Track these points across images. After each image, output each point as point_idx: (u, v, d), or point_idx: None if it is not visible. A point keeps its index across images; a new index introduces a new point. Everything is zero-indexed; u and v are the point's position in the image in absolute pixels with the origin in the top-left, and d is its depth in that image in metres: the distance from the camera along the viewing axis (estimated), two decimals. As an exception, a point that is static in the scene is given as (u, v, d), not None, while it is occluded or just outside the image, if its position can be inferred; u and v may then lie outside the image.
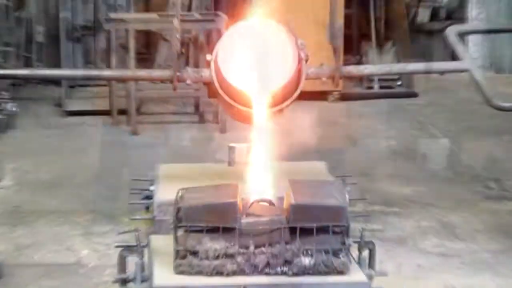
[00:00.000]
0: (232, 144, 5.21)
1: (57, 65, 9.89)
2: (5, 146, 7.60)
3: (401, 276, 4.72)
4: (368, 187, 6.10)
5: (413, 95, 9.67)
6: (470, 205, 6.11)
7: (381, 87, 9.75)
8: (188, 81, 4.57)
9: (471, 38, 10.93)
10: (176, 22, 4.58)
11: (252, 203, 4.10)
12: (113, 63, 8.73)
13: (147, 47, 10.85)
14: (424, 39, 10.93)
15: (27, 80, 9.58)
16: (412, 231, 5.55)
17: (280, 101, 4.45)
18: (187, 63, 9.48)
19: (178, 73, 4.56)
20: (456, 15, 11.07)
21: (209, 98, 8.04)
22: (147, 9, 10.79)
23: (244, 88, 4.41)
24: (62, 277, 4.82)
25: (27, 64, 9.63)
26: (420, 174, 6.83)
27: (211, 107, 8.56)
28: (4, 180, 6.61)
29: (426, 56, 10.54)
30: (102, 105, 8.80)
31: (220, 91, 4.52)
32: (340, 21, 4.68)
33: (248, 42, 4.40)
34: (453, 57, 10.55)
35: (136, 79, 8.20)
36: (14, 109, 8.44)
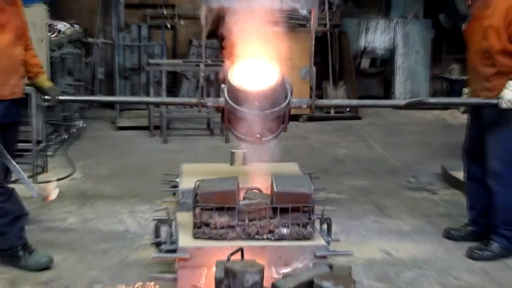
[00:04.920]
0: (233, 150, 5.20)
1: (112, 95, 9.91)
2: (76, 150, 7.59)
3: (349, 242, 4.74)
4: (327, 180, 6.09)
5: (358, 118, 9.67)
6: (397, 194, 6.12)
7: (335, 112, 9.73)
8: (209, 104, 4.53)
9: (397, 79, 10.94)
10: (202, 66, 4.60)
11: (247, 190, 4.12)
12: (151, 93, 8.75)
13: (173, 83, 10.86)
14: (365, 80, 10.94)
15: (91, 104, 9.61)
16: (359, 212, 5.57)
17: (274, 124, 4.39)
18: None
19: (202, 100, 4.53)
20: (387, 63, 11.10)
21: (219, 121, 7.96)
22: (174, 56, 10.81)
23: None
24: (115, 241, 4.82)
25: (92, 94, 9.62)
26: (363, 172, 6.83)
27: (218, 124, 8.55)
28: (75, 173, 6.61)
29: (366, 92, 10.57)
30: (143, 122, 8.79)
31: (228, 116, 4.40)
32: (314, 68, 4.67)
33: (250, 78, 4.32)
34: (385, 93, 10.69)
35: (169, 104, 8.26)
36: (82, 125, 8.46)
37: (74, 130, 8.17)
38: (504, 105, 4.35)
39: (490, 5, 4.48)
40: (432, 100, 4.89)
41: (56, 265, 4.35)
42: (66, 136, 7.88)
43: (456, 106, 4.88)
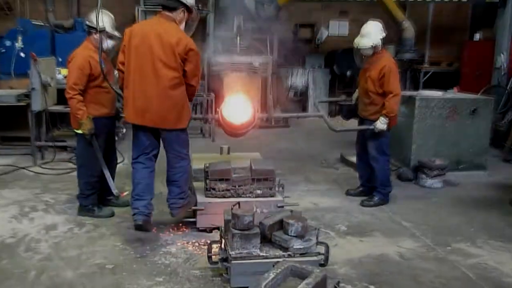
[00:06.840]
0: (221, 146, 5.16)
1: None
2: (123, 146, 7.37)
3: (293, 198, 4.73)
4: (276, 162, 6.04)
5: (288, 126, 9.63)
6: (315, 170, 6.14)
7: (274, 123, 9.66)
8: (210, 119, 4.50)
9: (309, 104, 10.98)
10: (205, 95, 4.54)
11: (235, 168, 4.10)
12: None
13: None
14: (292, 104, 10.96)
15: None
16: (296, 180, 5.56)
17: (245, 128, 4.38)
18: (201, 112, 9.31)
19: (206, 116, 4.49)
20: (304, 95, 11.18)
21: (211, 125, 7.69)
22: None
23: (231, 123, 4.33)
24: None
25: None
26: (295, 158, 6.81)
27: (208, 130, 8.43)
28: (124, 160, 6.44)
29: (293, 111, 10.49)
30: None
31: (223, 124, 4.38)
32: (270, 97, 4.67)
33: (233, 103, 4.33)
34: (303, 108, 10.62)
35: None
36: (125, 130, 8.25)
37: (120, 134, 7.95)
38: (376, 130, 4.66)
39: (373, 63, 4.63)
40: (339, 128, 5.03)
41: (120, 215, 4.27)
42: (116, 138, 7.65)
43: (355, 131, 5.06)
